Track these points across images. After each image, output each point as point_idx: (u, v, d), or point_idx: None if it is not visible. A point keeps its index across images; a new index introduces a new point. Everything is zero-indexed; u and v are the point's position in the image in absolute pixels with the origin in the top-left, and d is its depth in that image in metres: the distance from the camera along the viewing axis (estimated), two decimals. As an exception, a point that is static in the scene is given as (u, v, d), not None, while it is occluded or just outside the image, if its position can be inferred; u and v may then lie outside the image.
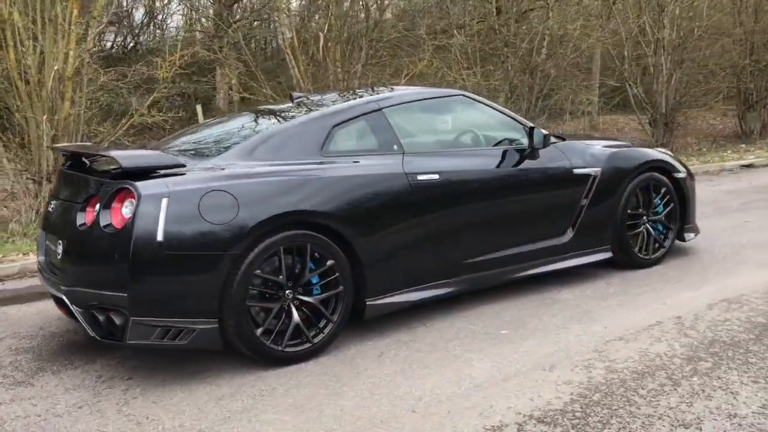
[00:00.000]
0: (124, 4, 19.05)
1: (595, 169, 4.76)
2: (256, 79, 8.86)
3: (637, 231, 5.02)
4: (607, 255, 4.89)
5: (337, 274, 3.69)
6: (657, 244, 5.14)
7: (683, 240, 5.33)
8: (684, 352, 3.53)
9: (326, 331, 3.68)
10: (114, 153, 3.39)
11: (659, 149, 5.45)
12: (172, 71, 7.79)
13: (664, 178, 5.12)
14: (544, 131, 4.45)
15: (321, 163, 3.76)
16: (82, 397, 3.32)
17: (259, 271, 3.45)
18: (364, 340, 3.90)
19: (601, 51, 13.56)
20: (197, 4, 12.60)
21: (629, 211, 4.94)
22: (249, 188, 3.45)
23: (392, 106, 4.18)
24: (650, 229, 5.10)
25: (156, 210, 3.23)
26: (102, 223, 3.32)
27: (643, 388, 3.14)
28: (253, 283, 3.44)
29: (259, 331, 3.47)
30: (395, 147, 4.04)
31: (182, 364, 3.64)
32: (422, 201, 3.97)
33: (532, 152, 4.47)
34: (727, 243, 5.73)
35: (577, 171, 4.68)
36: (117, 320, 3.31)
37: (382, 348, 3.78)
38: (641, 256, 5.04)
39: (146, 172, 3.37)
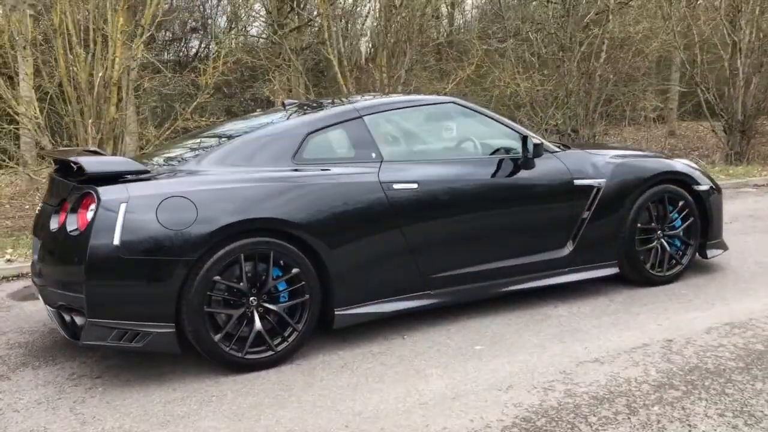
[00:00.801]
0: (207, 10, 19.81)
1: (599, 180, 4.53)
2: (305, 85, 8.98)
3: (649, 246, 4.74)
4: (614, 270, 4.64)
5: (302, 283, 3.66)
6: (673, 261, 4.84)
7: (705, 257, 5.00)
8: (657, 379, 3.30)
9: (290, 339, 3.67)
10: (81, 159, 3.50)
11: (681, 160, 5.14)
12: (215, 77, 7.99)
13: (682, 191, 4.82)
14: (538, 140, 4.27)
15: (289, 170, 3.74)
16: (46, 394, 3.43)
17: (218, 277, 3.47)
18: (335, 350, 3.85)
19: (668, 55, 12.93)
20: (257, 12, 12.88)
21: (640, 224, 4.67)
22: (208, 195, 3.48)
23: (374, 113, 4.11)
24: (665, 244, 4.80)
25: (114, 215, 3.31)
26: (69, 227, 3.43)
27: (594, 415, 2.95)
28: (212, 289, 3.46)
29: (216, 337, 3.48)
30: (373, 155, 3.98)
31: (155, 365, 3.71)
32: (398, 211, 3.89)
33: (526, 162, 4.30)
34: (761, 262, 5.33)
35: (578, 182, 4.47)
36: (78, 321, 3.41)
37: (349, 359, 3.73)
38: (653, 273, 4.75)
39: (111, 178, 3.45)
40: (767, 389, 3.14)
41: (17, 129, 7.86)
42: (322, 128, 3.95)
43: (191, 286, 3.41)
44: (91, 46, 7.58)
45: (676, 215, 4.84)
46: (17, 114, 7.45)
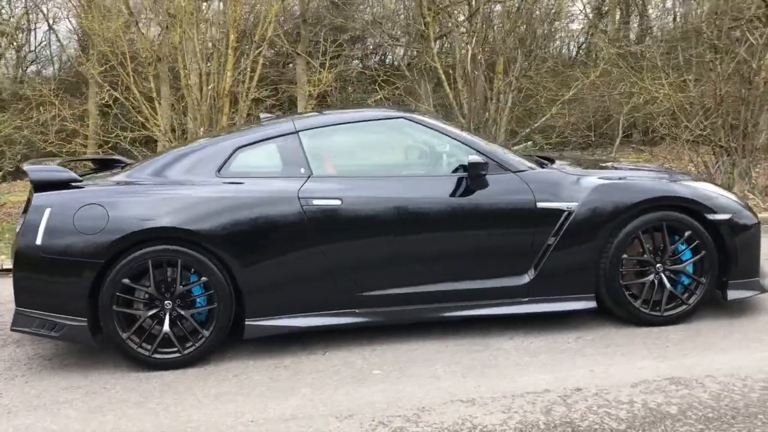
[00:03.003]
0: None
1: (570, 204, 4.08)
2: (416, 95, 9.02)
3: (641, 281, 4.16)
4: (590, 305, 4.15)
5: (211, 291, 3.83)
6: (678, 300, 4.19)
7: (725, 298, 4.25)
8: (507, 431, 2.96)
9: (198, 344, 3.86)
10: (27, 167, 4.00)
11: (703, 183, 4.40)
12: (319, 88, 8.39)
13: (690, 220, 4.14)
14: (479, 159, 3.96)
15: (206, 183, 3.92)
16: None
17: (127, 280, 3.77)
18: (250, 359, 3.97)
19: None
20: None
21: (626, 255, 4.12)
22: (121, 204, 3.79)
23: (312, 128, 4.14)
24: (665, 280, 4.18)
25: (39, 218, 3.76)
26: (17, 227, 3.97)
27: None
28: (122, 290, 3.77)
29: (124, 334, 3.79)
30: (302, 170, 4.01)
31: (110, 355, 4.07)
32: (318, 226, 3.89)
33: (477, 180, 4.03)
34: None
35: (542, 205, 4.07)
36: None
37: (250, 369, 3.82)
38: (645, 311, 4.16)
39: (50, 185, 3.90)
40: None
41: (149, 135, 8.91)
42: (253, 143, 4.07)
43: (102, 286, 3.75)
44: (204, 63, 8.37)
45: (683, 247, 4.18)
46: (149, 126, 8.46)
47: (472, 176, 3.97)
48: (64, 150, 8.79)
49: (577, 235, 4.08)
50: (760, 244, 4.32)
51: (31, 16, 17.27)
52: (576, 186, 4.13)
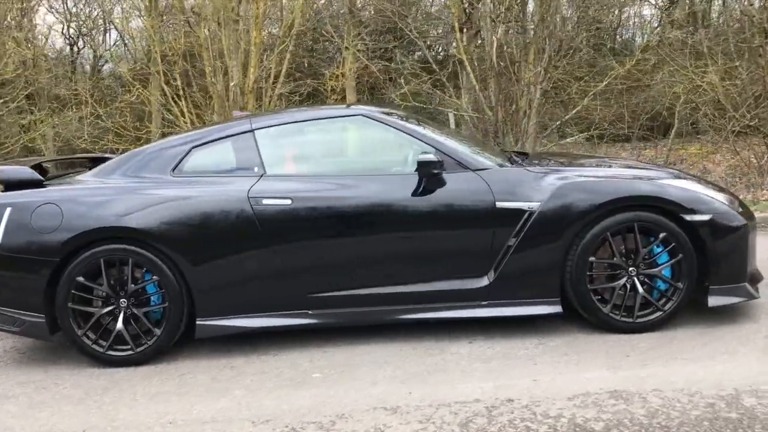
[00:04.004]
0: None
1: (531, 204, 3.89)
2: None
3: (611, 285, 3.93)
4: (554, 309, 3.95)
5: (162, 290, 3.87)
6: (653, 306, 3.94)
7: (706, 304, 3.95)
8: (413, 442, 2.86)
9: (150, 342, 3.91)
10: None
11: (684, 182, 4.09)
12: (341, 83, 8.34)
13: (665, 221, 3.87)
14: (429, 158, 3.82)
15: (158, 182, 3.95)
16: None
17: (81, 278, 3.85)
18: (203, 359, 3.99)
19: None
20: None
21: (593, 258, 3.90)
22: (75, 203, 3.87)
23: (268, 127, 4.10)
24: (638, 284, 3.93)
25: (0, 217, 3.88)
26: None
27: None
28: (76, 288, 3.85)
29: (80, 331, 3.88)
30: (256, 169, 3.99)
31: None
32: (267, 226, 3.85)
33: (433, 179, 3.89)
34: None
35: (502, 204, 3.89)
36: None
37: (194, 369, 3.84)
38: (616, 317, 3.92)
39: (16, 185, 4.03)
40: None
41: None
42: (208, 142, 4.08)
43: (58, 284, 3.84)
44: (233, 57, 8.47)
45: (658, 249, 3.92)
46: (179, 124, 8.65)
47: (424, 175, 3.84)
48: (96, 147, 9.15)
49: (540, 236, 3.88)
50: (747, 247, 3.99)
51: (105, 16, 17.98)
52: (539, 185, 3.93)
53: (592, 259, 3.90)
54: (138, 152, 4.18)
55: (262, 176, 3.96)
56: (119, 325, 3.89)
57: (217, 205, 3.87)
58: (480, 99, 8.55)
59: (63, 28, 16.74)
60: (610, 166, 4.53)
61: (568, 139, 9.75)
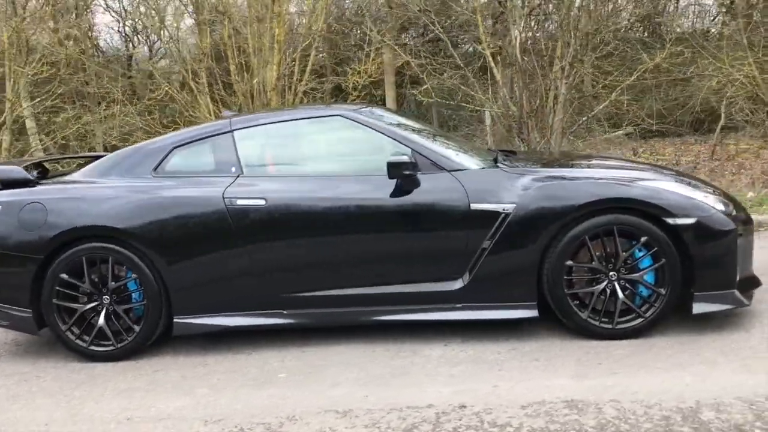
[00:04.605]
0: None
1: (506, 205, 3.81)
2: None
3: (590, 289, 3.82)
4: (530, 313, 3.86)
5: (142, 288, 3.97)
6: (634, 313, 3.81)
7: (690, 310, 3.79)
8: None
9: (131, 338, 4.01)
10: (-9, 167, 4.30)
11: (670, 183, 3.93)
12: (364, 79, 8.33)
13: (647, 224, 3.73)
14: (400, 159, 3.77)
15: (141, 182, 4.03)
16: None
17: (65, 275, 3.97)
18: (181, 355, 4.07)
19: None
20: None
21: (571, 262, 3.80)
22: (58, 202, 4.00)
23: (247, 127, 4.14)
24: (618, 289, 3.81)
25: (-10, 215, 4.05)
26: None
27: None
28: (60, 284, 3.98)
29: (64, 327, 4.01)
30: (233, 169, 4.03)
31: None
32: (242, 226, 3.89)
33: (406, 180, 3.86)
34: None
35: (476, 206, 3.83)
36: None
37: (170, 365, 3.93)
38: (594, 323, 3.81)
39: (9, 184, 4.18)
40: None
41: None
42: (189, 142, 4.14)
43: (44, 280, 3.98)
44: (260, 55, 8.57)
45: (640, 254, 3.79)
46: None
47: (395, 177, 3.81)
48: (125, 144, 9.39)
49: (515, 238, 3.80)
50: (736, 252, 3.80)
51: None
52: (514, 186, 3.84)
53: (569, 262, 3.80)
54: (123, 152, 4.29)
55: (238, 177, 4.00)
56: (101, 321, 4.00)
57: (193, 205, 3.93)
58: (504, 94, 8.41)
59: (119, 26, 17.29)
60: (602, 168, 4.38)
61: (607, 135, 9.50)
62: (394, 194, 3.87)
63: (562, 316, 3.86)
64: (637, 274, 3.80)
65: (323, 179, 4.00)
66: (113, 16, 17.10)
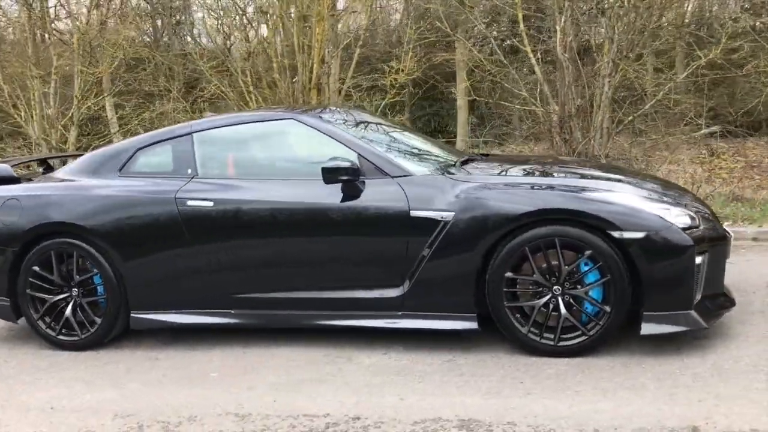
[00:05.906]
0: None
1: (445, 213, 3.70)
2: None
3: (530, 303, 3.66)
4: (470, 325, 3.74)
5: (102, 283, 4.17)
6: (579, 330, 3.62)
7: (640, 331, 3.55)
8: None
9: (93, 330, 4.22)
10: (-17, 165, 4.63)
11: (626, 196, 3.69)
12: (403, 78, 8.28)
13: (591, 237, 3.53)
14: (336, 163, 3.74)
15: (107, 182, 4.22)
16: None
17: (37, 267, 4.24)
18: (139, 349, 4.23)
19: None
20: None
21: (510, 273, 3.65)
22: (31, 199, 4.26)
23: (205, 130, 4.24)
24: (561, 304, 3.62)
25: (-22, 211, 4.37)
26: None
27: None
28: (33, 276, 4.24)
29: (35, 315, 4.28)
30: (189, 171, 4.15)
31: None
32: (191, 227, 4.01)
33: (348, 186, 3.83)
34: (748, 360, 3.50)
35: (416, 213, 3.75)
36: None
37: (124, 358, 4.10)
38: (535, 338, 3.65)
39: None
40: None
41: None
42: (152, 144, 4.29)
43: (19, 271, 4.26)
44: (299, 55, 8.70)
45: (585, 267, 3.59)
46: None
47: (330, 182, 3.79)
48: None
49: (453, 247, 3.70)
50: (694, 270, 3.52)
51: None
52: (455, 193, 3.73)
53: (509, 274, 3.65)
54: (96, 152, 4.51)
55: (193, 178, 4.11)
56: (68, 312, 4.23)
57: (148, 204, 4.09)
58: (545, 92, 8.11)
59: (217, 23, 18.02)
60: (563, 176, 4.15)
61: (676, 137, 8.93)
62: (337, 199, 3.85)
63: (504, 330, 3.72)
64: (582, 290, 3.59)
65: (271, 182, 4.04)
66: (212, 14, 17.90)
